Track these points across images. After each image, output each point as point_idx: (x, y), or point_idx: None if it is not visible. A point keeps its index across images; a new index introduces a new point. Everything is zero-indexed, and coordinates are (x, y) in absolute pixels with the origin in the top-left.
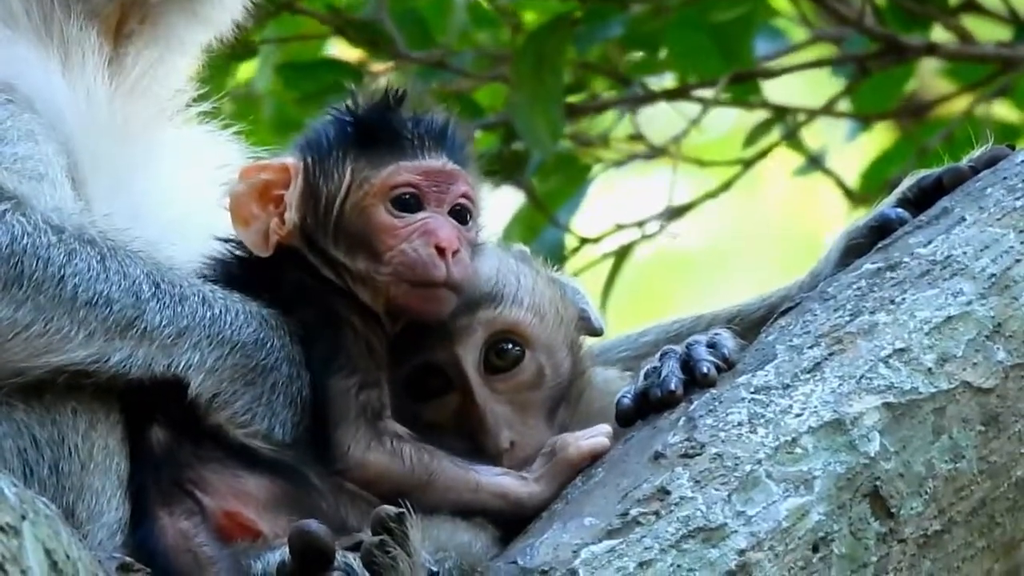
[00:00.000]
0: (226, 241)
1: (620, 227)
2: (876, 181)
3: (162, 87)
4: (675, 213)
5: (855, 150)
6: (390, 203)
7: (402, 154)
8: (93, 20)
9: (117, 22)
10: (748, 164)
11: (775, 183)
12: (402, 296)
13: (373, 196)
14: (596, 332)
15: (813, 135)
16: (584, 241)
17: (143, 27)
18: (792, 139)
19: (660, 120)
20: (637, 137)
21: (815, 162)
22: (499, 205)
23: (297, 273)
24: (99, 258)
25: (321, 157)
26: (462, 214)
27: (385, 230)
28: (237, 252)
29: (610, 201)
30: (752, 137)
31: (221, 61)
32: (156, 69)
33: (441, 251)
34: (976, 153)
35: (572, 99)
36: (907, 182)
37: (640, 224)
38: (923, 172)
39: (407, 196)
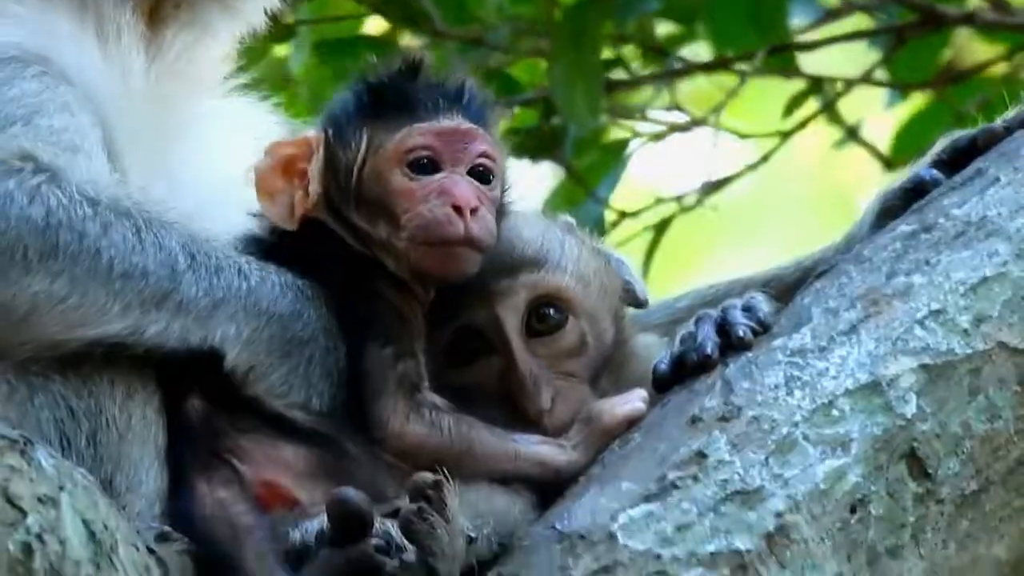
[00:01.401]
0: (258, 215)
1: (659, 201)
2: (911, 146)
3: (198, 67)
4: (714, 186)
5: (892, 117)
6: (406, 167)
7: (415, 117)
8: (128, 2)
9: (152, 7)
10: (786, 135)
11: (811, 147)
12: (423, 258)
13: (388, 161)
14: (640, 303)
15: (850, 104)
16: (623, 215)
17: (178, 12)
18: (830, 110)
19: (698, 92)
20: (675, 108)
21: (852, 134)
22: (538, 181)
23: (325, 245)
24: (135, 230)
25: (339, 127)
26: (483, 174)
27: (402, 194)
28: (266, 226)
29: (649, 174)
30: (790, 107)
31: (258, 42)
32: (192, 51)
33: (458, 209)
34: (1010, 114)
35: (610, 74)
36: (941, 143)
37: (679, 199)
38: (957, 133)
39: (422, 158)
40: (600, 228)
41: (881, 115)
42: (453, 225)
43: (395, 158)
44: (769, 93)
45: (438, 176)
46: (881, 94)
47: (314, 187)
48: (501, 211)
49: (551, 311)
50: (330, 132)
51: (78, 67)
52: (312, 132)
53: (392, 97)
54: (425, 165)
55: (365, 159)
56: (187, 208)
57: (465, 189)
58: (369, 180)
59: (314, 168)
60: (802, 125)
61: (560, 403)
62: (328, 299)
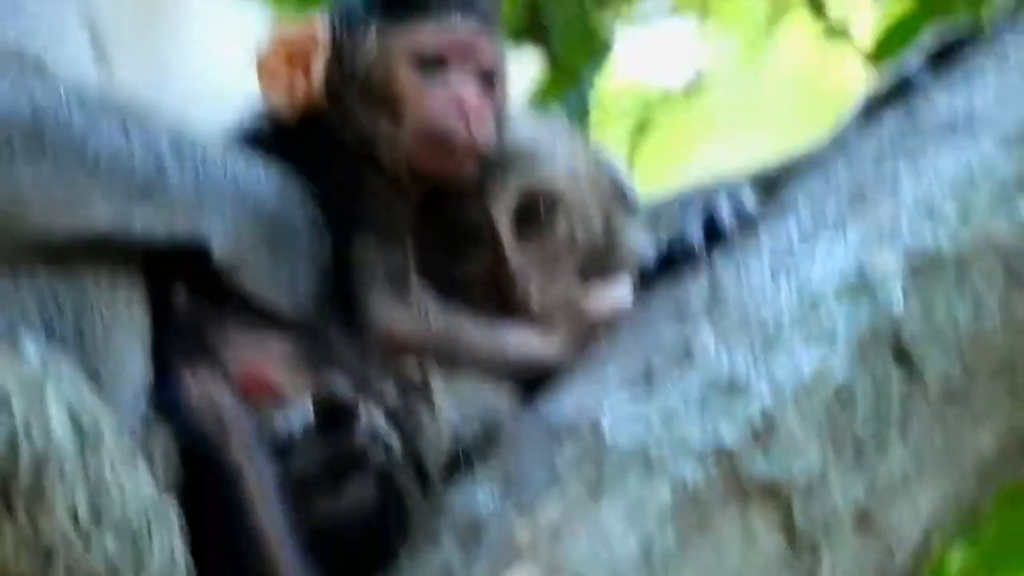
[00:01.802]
0: (252, 106)
1: (643, 91)
2: (897, 42)
3: None
4: (699, 77)
5: (879, 12)
6: (414, 65)
7: (426, 16)
8: None
9: None
10: (772, 23)
11: (797, 42)
12: (424, 159)
13: (396, 58)
14: (631, 206)
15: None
16: (607, 104)
17: None
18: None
19: None
20: None
21: (838, 30)
22: (522, 69)
23: (322, 137)
24: (121, 123)
25: (347, 20)
26: (487, 78)
27: (408, 92)
28: (263, 117)
29: (635, 62)
30: None
31: None
32: None
33: (463, 112)
34: (999, 7)
35: None
36: (928, 37)
37: (664, 88)
38: (945, 27)
39: (430, 58)
40: (583, 118)
41: (867, 10)
42: (458, 128)
43: (404, 56)
44: None
45: (445, 77)
46: None
47: (318, 78)
48: (500, 114)
49: (542, 207)
50: (338, 23)
51: None
52: (317, 24)
53: None
54: (432, 65)
55: (373, 55)
56: (175, 101)
57: (471, 92)
58: (375, 76)
59: (319, 59)
60: (784, 12)
61: (549, 298)
62: (317, 193)
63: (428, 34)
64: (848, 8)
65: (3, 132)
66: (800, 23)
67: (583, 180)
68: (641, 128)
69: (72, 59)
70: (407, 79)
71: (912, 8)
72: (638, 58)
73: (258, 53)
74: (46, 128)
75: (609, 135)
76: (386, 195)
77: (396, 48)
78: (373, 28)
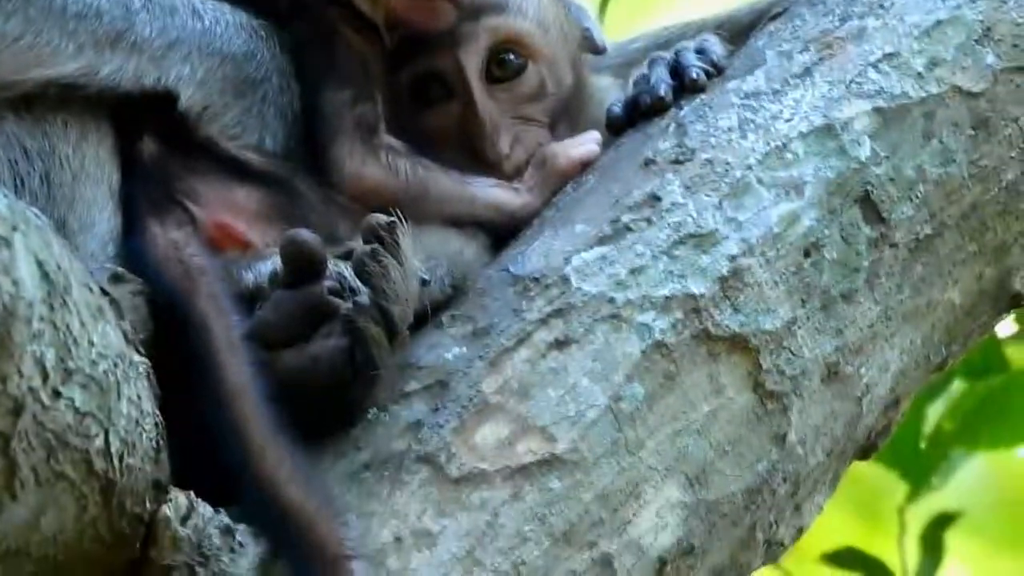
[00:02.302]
0: None
1: None
2: None
3: None
4: None
5: None
6: None
7: None
8: None
9: None
10: None
11: None
12: (402, 7)
13: None
14: (599, 50)
15: None
16: None
17: None
18: None
19: None
20: None
21: None
22: None
23: None
24: None
25: None
26: None
27: None
28: None
29: None
30: None
31: None
32: None
33: None
34: None
35: None
36: None
37: None
38: None
39: None
40: None
41: None
42: None
43: None
44: None
45: None
46: None
47: None
48: None
49: (511, 56)
50: None
51: None
52: None
53: None
54: None
55: None
56: None
57: None
58: None
59: None
60: None
61: (518, 148)
62: (287, 40)
63: None
64: None
65: None
66: None
67: (552, 29)
68: None
69: None
70: None
71: None
72: None
73: None
74: None
75: None
76: (356, 44)
77: None
78: None
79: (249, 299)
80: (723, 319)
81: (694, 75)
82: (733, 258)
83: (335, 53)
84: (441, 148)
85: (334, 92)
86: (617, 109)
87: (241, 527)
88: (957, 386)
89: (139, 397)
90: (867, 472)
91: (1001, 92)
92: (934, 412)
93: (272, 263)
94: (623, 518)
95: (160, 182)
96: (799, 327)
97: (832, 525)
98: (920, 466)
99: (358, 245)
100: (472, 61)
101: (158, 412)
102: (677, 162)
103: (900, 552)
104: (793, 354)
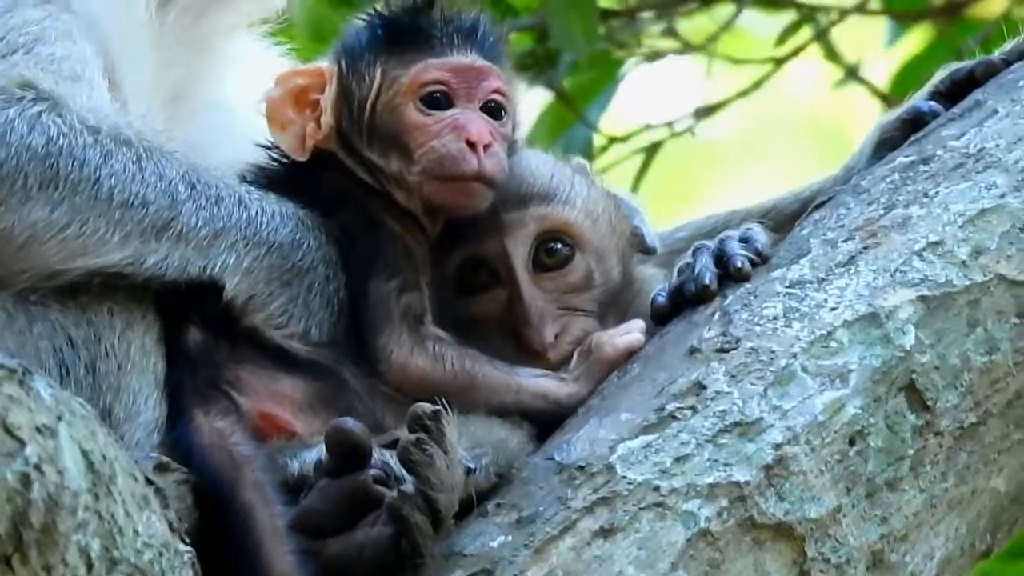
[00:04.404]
0: (266, 146)
1: (649, 127)
2: (910, 84)
3: (211, 16)
4: (706, 112)
5: (892, 53)
6: (420, 101)
7: (431, 52)
8: None
9: None
10: (780, 62)
11: (807, 76)
12: (435, 193)
13: (403, 95)
14: (649, 251)
15: (849, 42)
16: (612, 140)
17: None
18: (823, 38)
19: (692, 25)
20: (669, 33)
21: (852, 74)
22: (530, 103)
23: (334, 176)
24: (135, 159)
25: (353, 59)
26: (495, 110)
27: (415, 128)
28: (276, 157)
29: (641, 98)
30: (783, 36)
31: None
32: (206, 5)
33: (472, 145)
34: (1009, 46)
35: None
36: (939, 75)
37: (670, 124)
38: (956, 65)
39: (436, 93)
40: (589, 152)
41: (880, 53)
42: (466, 160)
43: (410, 92)
44: (763, 26)
45: (452, 111)
46: (880, 33)
47: (326, 118)
48: (512, 146)
49: (559, 245)
50: (343, 64)
51: None
52: (325, 63)
53: (407, 31)
54: (439, 100)
55: (379, 92)
56: (189, 138)
57: (479, 125)
58: (383, 113)
59: (327, 99)
60: (795, 53)
61: (564, 337)
62: (331, 230)
63: (431, 69)
64: (860, 50)
65: (19, 170)
66: (809, 58)
67: (601, 220)
68: (646, 158)
69: (87, 93)
70: (413, 115)
71: (925, 50)
72: (645, 94)
73: (265, 96)
74: (60, 165)
75: (612, 165)
76: (401, 232)
77: (402, 85)
78: (378, 66)
79: (295, 487)
80: (768, 507)
81: (738, 263)
82: (778, 446)
83: (380, 243)
84: (486, 334)
85: (381, 282)
86: (662, 298)
87: None
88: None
89: None
90: None
91: None
92: None
93: (317, 451)
94: None
95: (205, 371)
96: (844, 515)
97: None
98: None
99: (403, 434)
100: (519, 249)
101: None
102: (722, 350)
103: None
104: (838, 542)
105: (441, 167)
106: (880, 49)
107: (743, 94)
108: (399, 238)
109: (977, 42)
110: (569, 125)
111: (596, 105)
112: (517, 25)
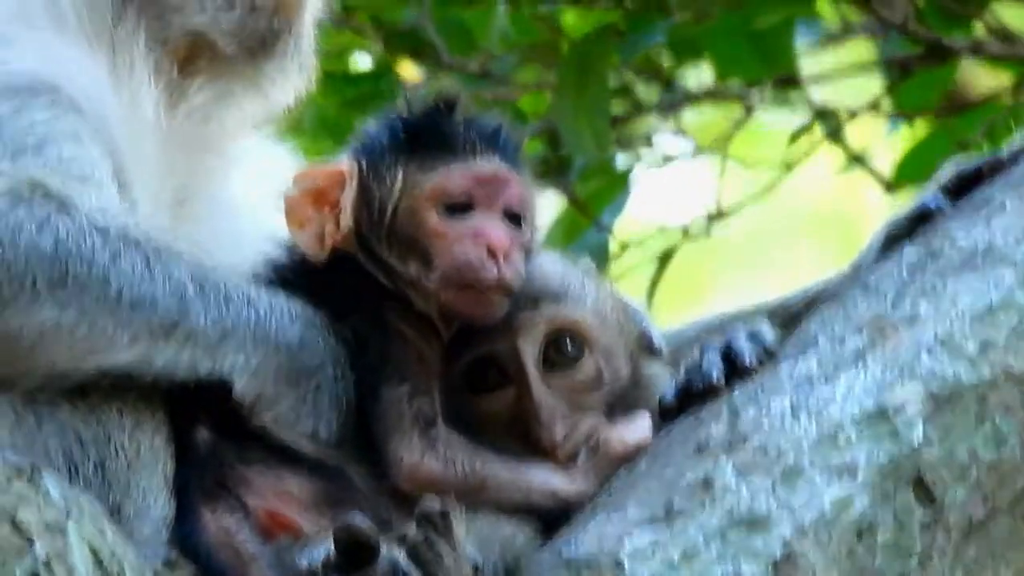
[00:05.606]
0: (280, 246)
1: (663, 230)
2: (913, 172)
3: (218, 116)
4: (718, 215)
5: (896, 142)
6: (441, 207)
7: (453, 158)
8: (160, 45)
9: (185, 56)
10: (791, 166)
11: (816, 174)
12: (453, 300)
13: (424, 200)
14: (655, 352)
15: (854, 131)
16: (624, 247)
17: (210, 67)
18: (835, 138)
19: (703, 124)
20: (680, 133)
21: (858, 160)
22: (543, 209)
23: (351, 278)
24: (144, 260)
25: (374, 161)
26: (514, 217)
27: (436, 234)
28: (291, 256)
29: (653, 205)
30: (795, 137)
31: None
32: (214, 105)
33: (492, 253)
34: (1016, 143)
35: (616, 107)
36: (946, 172)
37: (684, 230)
38: (963, 161)
39: (458, 200)
40: (603, 257)
41: (884, 141)
42: (486, 269)
43: (431, 198)
44: (774, 123)
45: (472, 218)
46: (883, 122)
47: (345, 219)
48: (528, 252)
49: (569, 344)
50: (363, 165)
51: (88, 96)
52: (344, 163)
53: (429, 134)
54: (460, 206)
55: (400, 196)
56: (197, 238)
57: (499, 233)
58: (403, 218)
59: (346, 200)
60: (807, 155)
61: (573, 435)
62: (343, 332)
63: (454, 176)
64: (865, 139)
65: (27, 271)
66: (819, 156)
67: (610, 320)
68: (661, 263)
69: (95, 194)
70: (434, 221)
71: (928, 139)
72: (658, 196)
73: (285, 193)
74: (69, 266)
75: (628, 271)
76: (414, 336)
77: (423, 190)
78: (399, 169)
79: None
80: None
81: (746, 360)
82: (786, 541)
83: (392, 347)
84: (496, 432)
85: (392, 387)
86: (669, 394)
87: None
88: None
89: None
90: None
91: None
92: None
93: (325, 548)
94: None
95: (213, 470)
96: None
97: None
98: None
99: (411, 530)
100: (529, 348)
101: None
102: (729, 446)
103: None
104: None
105: (460, 274)
106: (883, 137)
107: (755, 198)
108: (412, 343)
109: (981, 132)
110: (583, 230)
111: (610, 210)
112: (526, 130)
